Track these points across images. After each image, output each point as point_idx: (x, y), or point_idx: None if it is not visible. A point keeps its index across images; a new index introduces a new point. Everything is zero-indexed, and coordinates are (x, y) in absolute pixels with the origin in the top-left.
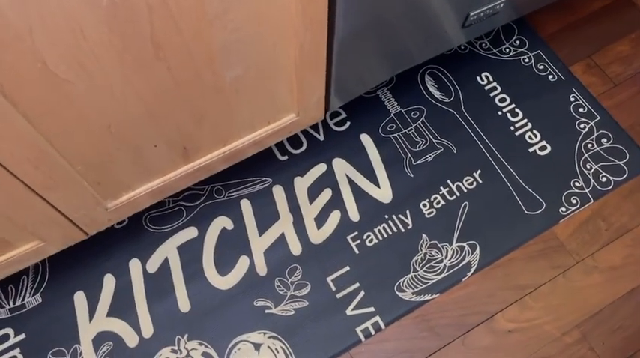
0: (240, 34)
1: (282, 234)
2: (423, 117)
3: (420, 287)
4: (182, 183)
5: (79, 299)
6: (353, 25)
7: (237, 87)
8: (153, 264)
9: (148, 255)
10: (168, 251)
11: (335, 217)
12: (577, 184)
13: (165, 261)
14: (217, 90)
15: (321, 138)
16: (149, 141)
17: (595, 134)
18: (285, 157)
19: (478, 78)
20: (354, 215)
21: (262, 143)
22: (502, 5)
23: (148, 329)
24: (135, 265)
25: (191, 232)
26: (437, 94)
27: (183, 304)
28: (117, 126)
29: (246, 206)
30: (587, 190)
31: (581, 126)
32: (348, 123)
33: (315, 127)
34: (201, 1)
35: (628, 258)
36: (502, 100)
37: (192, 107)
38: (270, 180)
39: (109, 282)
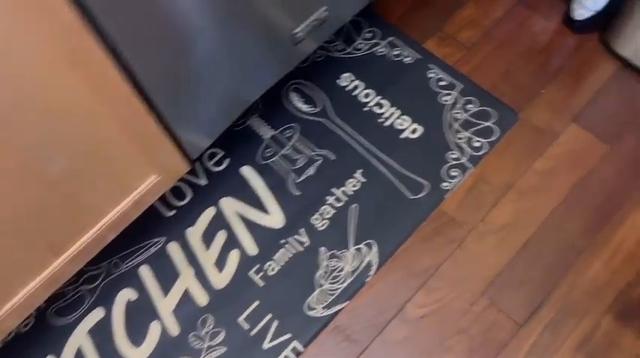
0: (48, 130)
1: (187, 289)
2: (297, 134)
3: (329, 300)
4: (68, 269)
5: None
6: (166, 85)
7: (71, 175)
8: (67, 357)
9: (60, 349)
10: (79, 339)
11: (234, 257)
12: (453, 156)
13: (79, 351)
14: (52, 185)
15: (204, 182)
16: (4, 251)
17: (460, 103)
18: (173, 212)
19: (340, 80)
20: (252, 249)
21: (142, 203)
22: (325, 14)
23: None
24: None
25: (98, 313)
26: (305, 108)
27: None
28: None
29: (145, 272)
30: (464, 159)
31: (446, 98)
32: (227, 161)
33: (195, 173)
34: None
35: (516, 212)
36: (367, 96)
37: (34, 208)
38: (164, 238)
39: None
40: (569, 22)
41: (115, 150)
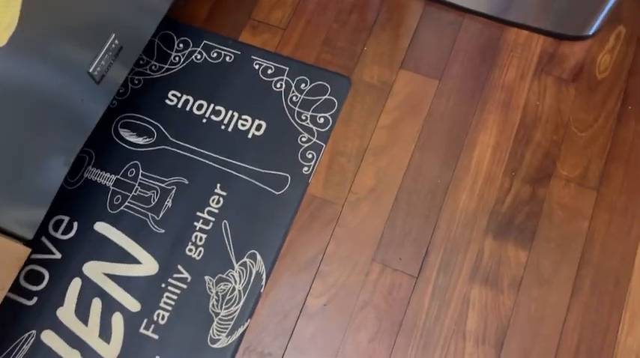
0: None
1: None
2: (140, 170)
3: (230, 326)
4: None
5: None
6: None
7: None
8: None
9: None
10: None
11: (117, 320)
12: (303, 139)
13: None
14: None
15: (58, 256)
16: None
17: (293, 85)
18: (35, 299)
19: (167, 101)
20: (134, 305)
21: None
22: (116, 42)
23: None
24: None
25: None
26: (140, 141)
27: None
28: None
29: None
30: (315, 139)
31: (278, 85)
32: (76, 224)
33: (43, 250)
34: None
35: (378, 173)
36: (200, 107)
37: None
38: (34, 331)
39: None
40: None
41: None
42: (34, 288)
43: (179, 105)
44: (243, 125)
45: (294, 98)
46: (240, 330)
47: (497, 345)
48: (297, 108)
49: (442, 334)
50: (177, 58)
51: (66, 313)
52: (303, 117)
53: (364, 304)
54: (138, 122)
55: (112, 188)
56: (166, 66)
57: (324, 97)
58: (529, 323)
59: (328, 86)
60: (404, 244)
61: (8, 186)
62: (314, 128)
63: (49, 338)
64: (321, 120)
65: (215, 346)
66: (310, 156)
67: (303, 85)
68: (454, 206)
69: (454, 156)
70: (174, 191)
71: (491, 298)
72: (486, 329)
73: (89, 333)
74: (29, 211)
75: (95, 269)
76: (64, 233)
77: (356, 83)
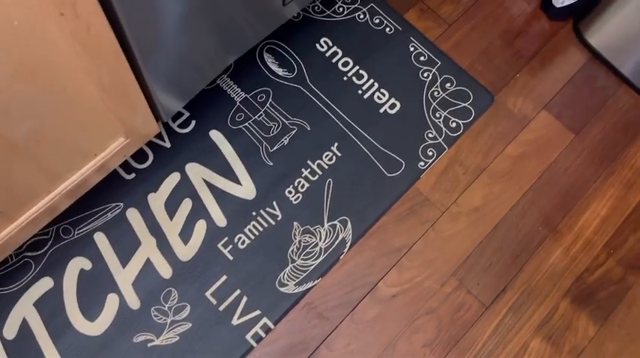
0: (11, 92)
1: (148, 260)
2: (270, 99)
3: (301, 277)
4: (17, 238)
5: None
6: (149, 34)
7: (37, 139)
8: (10, 330)
9: (2, 321)
10: (24, 310)
11: (200, 227)
12: (430, 135)
13: (24, 323)
14: (13, 149)
15: (167, 145)
16: None
17: (439, 80)
18: (133, 175)
19: (317, 45)
20: (221, 220)
21: (105, 168)
22: None
23: None
24: None
25: (45, 283)
26: (279, 71)
27: None
28: None
29: (101, 239)
30: (440, 139)
31: (425, 74)
32: (193, 123)
33: (157, 135)
34: None
35: (487, 196)
36: (345, 64)
37: None
38: (122, 204)
39: None
40: (546, 6)
41: (91, 112)
42: (136, 166)
43: (327, 54)
44: (379, 98)
45: (435, 93)
46: (309, 285)
47: None
48: (434, 104)
49: None
50: (341, 9)
51: (155, 201)
52: (437, 115)
53: (430, 311)
54: (283, 53)
55: (238, 104)
56: (329, 12)
57: (464, 105)
58: None
59: (471, 95)
60: (486, 272)
61: (178, 65)
62: (444, 129)
63: (132, 216)
64: (453, 125)
65: (281, 289)
66: (431, 153)
67: (448, 84)
68: (545, 257)
69: (563, 212)
70: (294, 132)
71: (548, 355)
72: None
73: (171, 228)
74: (175, 97)
75: (196, 172)
76: (181, 126)
77: (498, 104)
